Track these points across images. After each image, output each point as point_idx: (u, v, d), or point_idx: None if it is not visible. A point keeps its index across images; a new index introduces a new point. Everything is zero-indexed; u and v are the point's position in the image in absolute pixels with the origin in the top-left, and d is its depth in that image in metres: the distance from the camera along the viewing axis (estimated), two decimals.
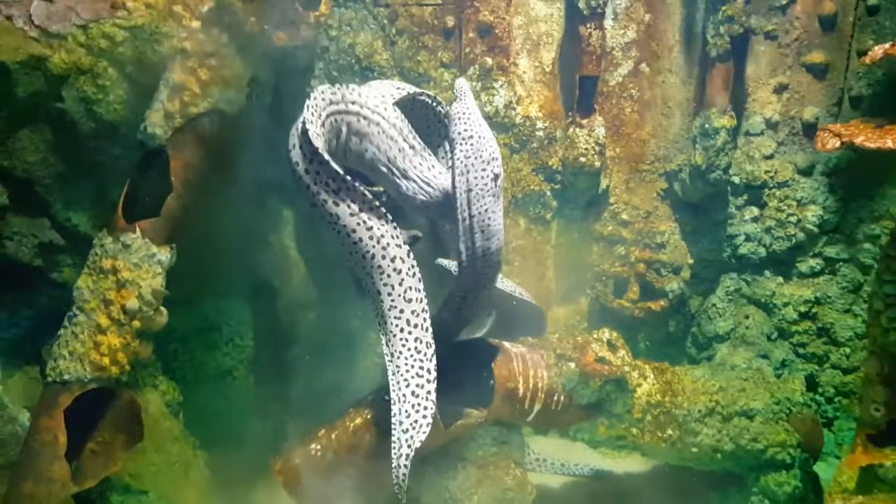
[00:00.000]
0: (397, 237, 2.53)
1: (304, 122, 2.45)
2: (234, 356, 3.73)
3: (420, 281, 2.59)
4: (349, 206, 2.44)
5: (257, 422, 3.68)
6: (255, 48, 3.04)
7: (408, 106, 2.84)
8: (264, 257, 3.66)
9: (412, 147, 2.74)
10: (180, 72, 2.95)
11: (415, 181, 2.73)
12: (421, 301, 2.60)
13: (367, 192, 2.44)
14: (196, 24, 2.98)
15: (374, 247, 2.48)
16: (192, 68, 2.96)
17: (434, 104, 2.95)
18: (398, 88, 2.83)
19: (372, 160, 2.73)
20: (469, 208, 2.58)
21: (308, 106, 2.48)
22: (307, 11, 3.09)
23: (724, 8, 3.42)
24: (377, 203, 2.46)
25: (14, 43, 2.90)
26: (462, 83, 2.72)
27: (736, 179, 3.64)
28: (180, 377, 3.49)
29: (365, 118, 2.67)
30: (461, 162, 2.57)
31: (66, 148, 3.09)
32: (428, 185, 2.73)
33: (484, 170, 2.57)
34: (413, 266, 2.57)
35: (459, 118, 2.60)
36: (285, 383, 3.64)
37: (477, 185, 2.57)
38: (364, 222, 2.46)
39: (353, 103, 2.64)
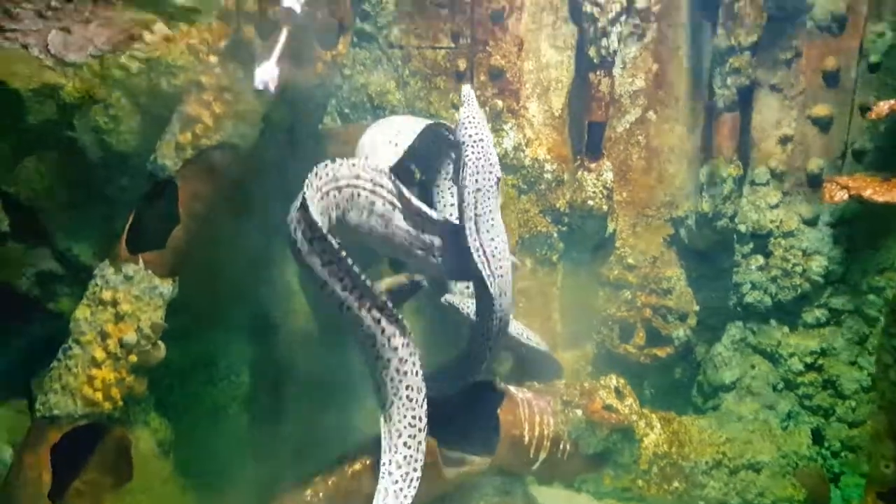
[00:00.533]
0: (369, 286, 2.49)
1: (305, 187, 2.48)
2: (229, 392, 3.65)
3: (403, 324, 2.55)
4: (320, 257, 2.43)
5: (251, 463, 3.56)
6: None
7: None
8: (266, 292, 3.62)
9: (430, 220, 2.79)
10: (195, 105, 2.98)
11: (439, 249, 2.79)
12: (408, 346, 2.57)
13: (336, 243, 2.43)
14: (213, 58, 3.03)
15: (346, 297, 2.46)
16: (207, 102, 2.99)
17: (441, 128, 3.02)
18: (395, 144, 2.85)
19: (392, 238, 2.77)
20: (476, 207, 2.68)
21: (311, 178, 2.52)
22: (324, 50, 3.15)
23: (730, 60, 3.53)
24: (345, 253, 2.44)
25: (28, 71, 2.94)
26: (468, 90, 2.84)
27: (742, 228, 3.68)
28: (172, 414, 3.40)
29: (380, 197, 2.73)
30: (472, 163, 2.67)
31: (72, 177, 3.09)
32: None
33: (490, 172, 2.70)
34: (392, 313, 2.53)
35: (469, 122, 2.73)
36: (282, 423, 3.55)
37: (484, 185, 2.69)
38: (335, 273, 2.44)
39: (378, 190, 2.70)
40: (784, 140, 3.63)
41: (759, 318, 3.74)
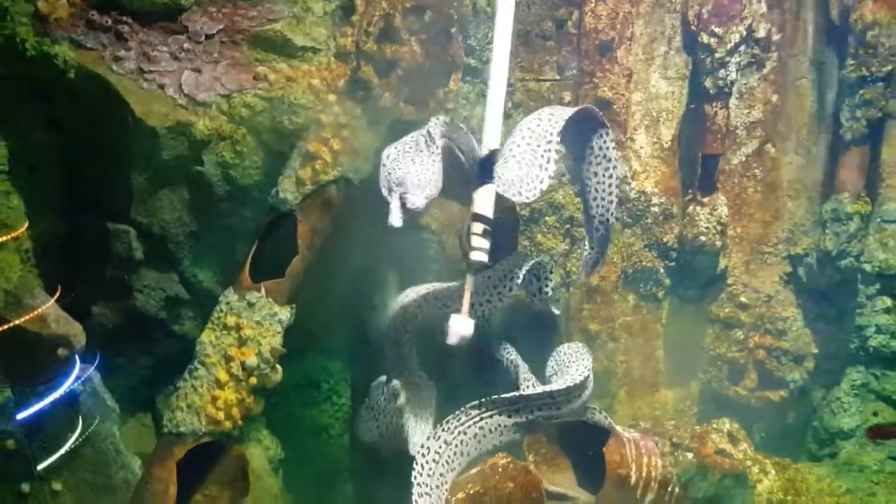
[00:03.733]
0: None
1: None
2: (331, 413, 3.90)
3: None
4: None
5: (348, 486, 3.80)
6: (385, 121, 3.31)
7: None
8: (368, 317, 3.84)
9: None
10: (314, 141, 3.24)
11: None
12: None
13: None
14: (332, 97, 3.28)
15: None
16: (326, 139, 3.24)
17: None
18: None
19: None
20: None
21: None
22: (436, 88, 3.35)
23: (861, 92, 3.46)
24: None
25: (164, 109, 3.25)
26: None
27: (867, 267, 3.59)
28: (280, 432, 3.67)
29: None
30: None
31: (200, 208, 3.38)
32: None
33: None
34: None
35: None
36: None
37: None
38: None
39: None
40: None
41: (884, 363, 3.63)
